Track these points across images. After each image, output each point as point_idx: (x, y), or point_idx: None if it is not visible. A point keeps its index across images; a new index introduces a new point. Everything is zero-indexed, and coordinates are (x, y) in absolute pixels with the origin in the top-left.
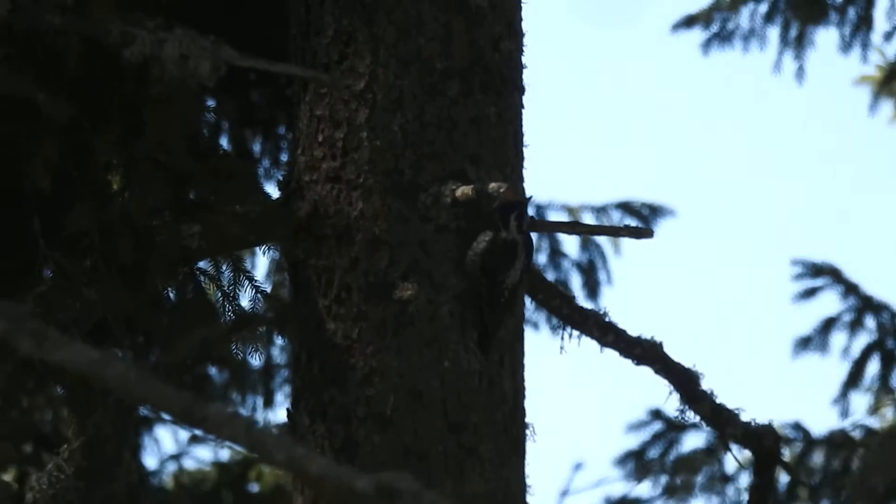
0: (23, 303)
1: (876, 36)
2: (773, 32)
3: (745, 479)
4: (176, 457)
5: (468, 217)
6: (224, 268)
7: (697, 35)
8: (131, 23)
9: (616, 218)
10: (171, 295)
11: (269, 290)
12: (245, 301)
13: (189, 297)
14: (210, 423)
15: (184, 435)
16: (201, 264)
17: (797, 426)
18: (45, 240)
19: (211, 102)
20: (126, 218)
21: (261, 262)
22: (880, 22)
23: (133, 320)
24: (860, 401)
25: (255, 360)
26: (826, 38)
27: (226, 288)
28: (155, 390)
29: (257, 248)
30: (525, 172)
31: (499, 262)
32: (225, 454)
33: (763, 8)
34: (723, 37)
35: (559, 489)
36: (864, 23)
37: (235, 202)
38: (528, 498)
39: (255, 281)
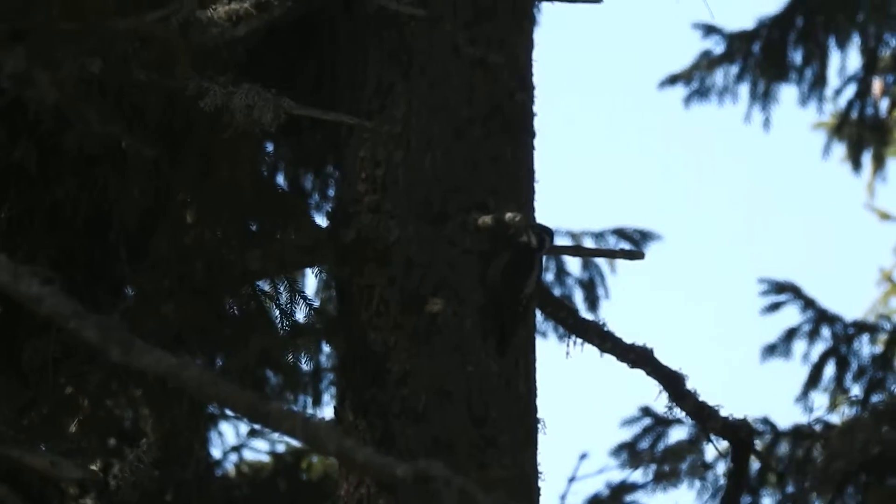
0: (111, 317)
1: (829, 91)
2: (744, 89)
3: (723, 467)
4: (237, 448)
5: (489, 241)
6: (281, 288)
7: (680, 91)
8: (206, 78)
9: (612, 242)
10: (236, 310)
11: (318, 305)
12: (299, 315)
13: (251, 311)
14: (272, 419)
15: (244, 429)
16: (262, 284)
17: (766, 421)
18: (130, 264)
19: (271, 145)
20: (199, 246)
21: (311, 281)
22: (833, 79)
23: (203, 332)
24: (819, 399)
25: (306, 365)
26: (788, 93)
27: (283, 305)
28: (225, 391)
29: (310, 269)
30: (536, 203)
31: (518, 273)
32: (280, 447)
33: (735, 69)
34: (701, 92)
35: (567, 475)
36: (819, 80)
37: (290, 232)
38: (540, 483)
39: (308, 299)
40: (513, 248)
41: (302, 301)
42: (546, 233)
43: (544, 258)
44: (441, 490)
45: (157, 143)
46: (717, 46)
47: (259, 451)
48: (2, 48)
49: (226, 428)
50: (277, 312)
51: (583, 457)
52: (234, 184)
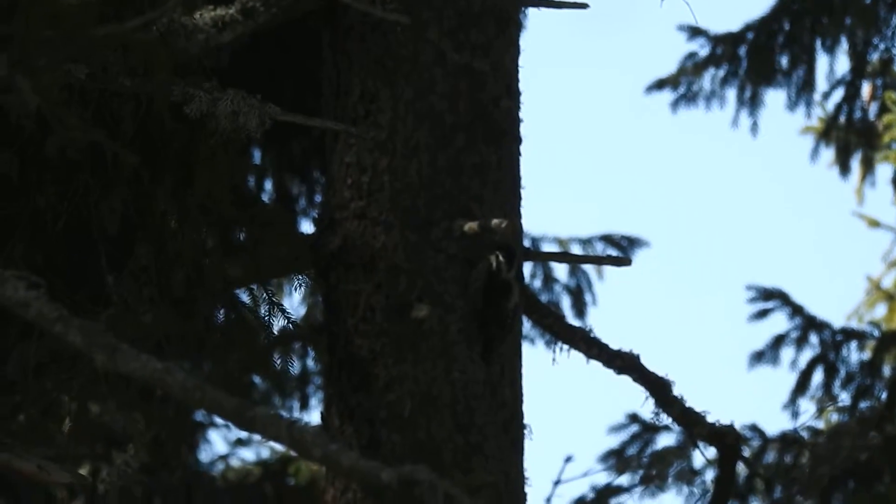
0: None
1: (817, 95)
2: (731, 93)
3: (710, 473)
4: (224, 457)
5: (474, 247)
6: (261, 299)
7: (667, 96)
8: (191, 84)
9: (600, 248)
10: (219, 318)
11: (302, 314)
12: (278, 326)
13: (231, 321)
14: (258, 424)
15: (232, 437)
16: (243, 295)
17: (754, 427)
18: (110, 273)
19: (259, 152)
20: (179, 256)
21: (297, 287)
22: (821, 83)
23: (184, 341)
24: (807, 406)
25: (293, 370)
26: (775, 97)
27: (262, 317)
28: (210, 396)
29: (296, 277)
30: (523, 210)
31: (497, 294)
32: (266, 453)
33: (722, 73)
34: (688, 97)
35: (552, 480)
36: (807, 85)
37: (273, 242)
38: (527, 488)
39: (287, 312)
40: (486, 274)
41: (280, 313)
42: (505, 255)
43: (523, 271)
44: (426, 494)
45: (136, 153)
46: (702, 49)
47: (247, 460)
48: None
49: (214, 436)
50: (257, 323)
51: (568, 459)
52: (213, 196)
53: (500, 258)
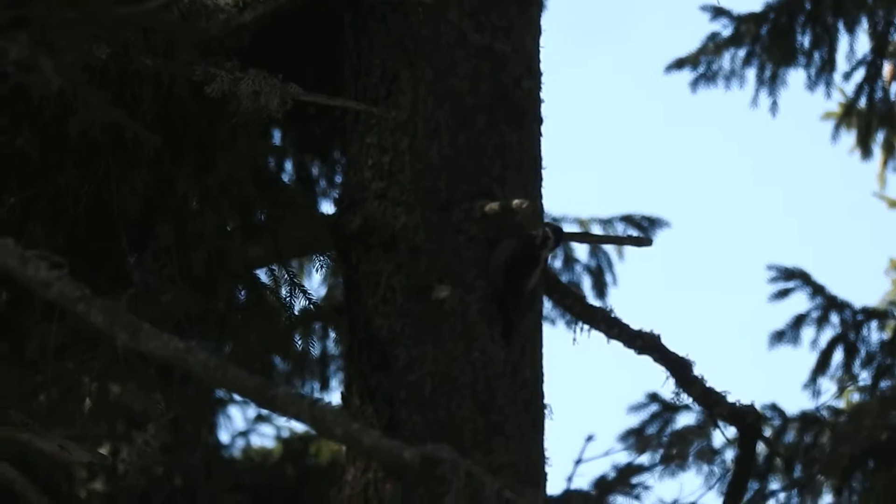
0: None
1: (837, 76)
2: (751, 73)
3: (730, 452)
4: (244, 433)
5: (494, 228)
6: (283, 279)
7: (687, 75)
8: (212, 64)
9: (620, 229)
10: (241, 297)
11: (322, 295)
12: (298, 307)
13: (251, 301)
14: (279, 403)
15: (252, 414)
16: (263, 277)
17: (774, 407)
18: (131, 253)
19: (279, 133)
20: (200, 237)
21: (318, 268)
22: (841, 63)
23: (205, 322)
24: (827, 385)
25: (314, 351)
26: (796, 77)
27: (283, 298)
28: (232, 375)
29: (316, 257)
30: (543, 190)
31: (519, 271)
32: (286, 432)
33: (742, 52)
34: (708, 77)
35: (573, 459)
36: (827, 65)
37: (294, 223)
38: (547, 468)
39: (308, 293)
40: (517, 243)
41: (301, 294)
42: (554, 232)
43: (549, 255)
44: (448, 474)
45: (157, 134)
46: (724, 29)
47: (266, 435)
48: (4, 35)
49: (234, 412)
50: (278, 304)
51: (589, 439)
52: (234, 177)
53: (549, 232)
